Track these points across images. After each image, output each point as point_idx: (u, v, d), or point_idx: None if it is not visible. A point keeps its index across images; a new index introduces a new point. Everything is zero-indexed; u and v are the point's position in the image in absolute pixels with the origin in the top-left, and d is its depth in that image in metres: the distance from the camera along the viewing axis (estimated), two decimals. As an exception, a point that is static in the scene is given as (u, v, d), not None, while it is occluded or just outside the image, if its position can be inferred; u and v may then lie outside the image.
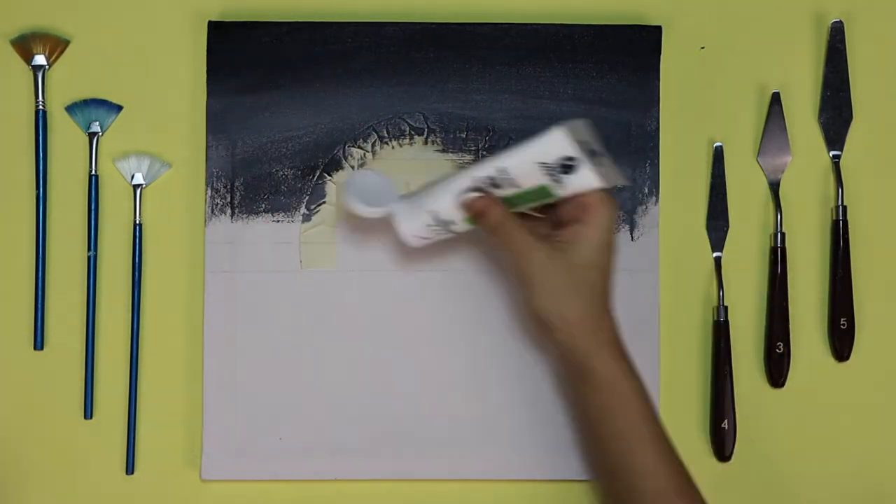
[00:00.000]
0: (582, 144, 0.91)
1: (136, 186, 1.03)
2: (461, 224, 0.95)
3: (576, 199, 0.92)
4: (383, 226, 0.98)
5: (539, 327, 0.94)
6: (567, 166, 0.91)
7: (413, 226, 0.95)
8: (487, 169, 0.92)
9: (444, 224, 0.95)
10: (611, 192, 0.93)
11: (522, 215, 0.94)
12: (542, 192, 0.92)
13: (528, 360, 1.02)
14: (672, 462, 0.91)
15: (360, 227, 1.02)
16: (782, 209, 1.04)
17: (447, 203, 0.94)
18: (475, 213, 0.93)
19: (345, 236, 1.02)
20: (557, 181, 0.91)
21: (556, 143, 0.90)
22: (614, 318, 0.93)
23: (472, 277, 1.02)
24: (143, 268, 1.03)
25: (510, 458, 1.01)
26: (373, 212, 0.95)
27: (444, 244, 0.99)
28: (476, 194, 0.93)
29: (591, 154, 0.91)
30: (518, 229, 0.92)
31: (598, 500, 0.98)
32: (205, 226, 1.02)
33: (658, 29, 1.04)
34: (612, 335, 0.93)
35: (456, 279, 1.02)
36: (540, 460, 1.01)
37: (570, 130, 0.90)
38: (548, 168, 0.91)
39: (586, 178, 0.91)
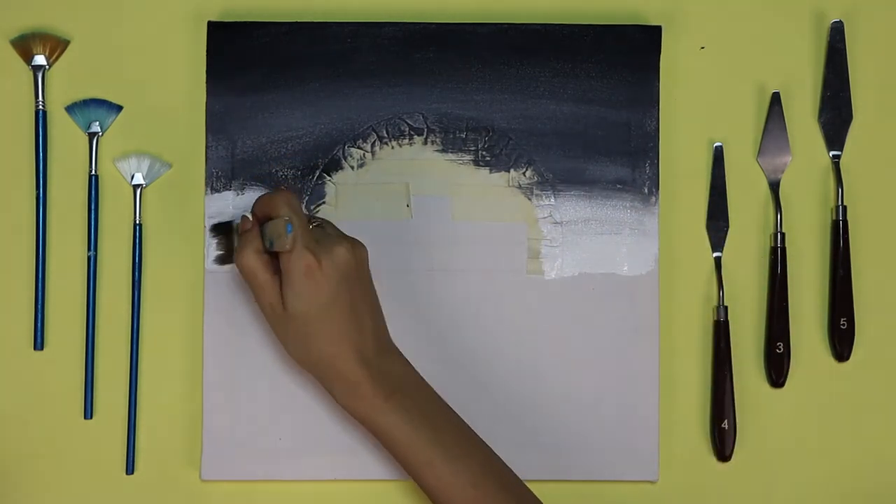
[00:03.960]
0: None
1: (136, 186, 1.03)
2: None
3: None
4: (383, 227, 0.98)
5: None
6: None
7: None
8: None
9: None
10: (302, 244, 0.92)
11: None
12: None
13: (529, 361, 1.02)
14: (459, 475, 0.92)
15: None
16: (782, 209, 1.04)
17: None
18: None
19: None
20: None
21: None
22: (363, 355, 0.93)
23: (473, 277, 1.02)
24: (143, 268, 1.03)
25: (511, 458, 1.01)
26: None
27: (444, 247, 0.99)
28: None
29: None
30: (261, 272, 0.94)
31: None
32: (205, 226, 1.02)
33: (658, 29, 1.04)
34: (360, 383, 0.93)
35: (456, 279, 1.02)
36: (541, 461, 1.01)
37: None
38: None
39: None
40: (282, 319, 0.93)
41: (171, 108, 1.04)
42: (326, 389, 0.95)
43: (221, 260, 1.02)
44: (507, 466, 0.95)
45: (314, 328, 0.92)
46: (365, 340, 0.93)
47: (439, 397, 0.96)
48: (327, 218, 0.99)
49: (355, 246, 0.94)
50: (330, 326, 0.92)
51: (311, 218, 0.96)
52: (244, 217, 0.96)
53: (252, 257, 0.93)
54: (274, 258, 0.94)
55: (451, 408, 0.96)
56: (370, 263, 0.95)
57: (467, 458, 0.93)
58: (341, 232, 0.96)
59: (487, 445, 0.95)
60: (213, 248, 1.02)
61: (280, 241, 0.92)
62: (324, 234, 0.94)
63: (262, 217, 0.95)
